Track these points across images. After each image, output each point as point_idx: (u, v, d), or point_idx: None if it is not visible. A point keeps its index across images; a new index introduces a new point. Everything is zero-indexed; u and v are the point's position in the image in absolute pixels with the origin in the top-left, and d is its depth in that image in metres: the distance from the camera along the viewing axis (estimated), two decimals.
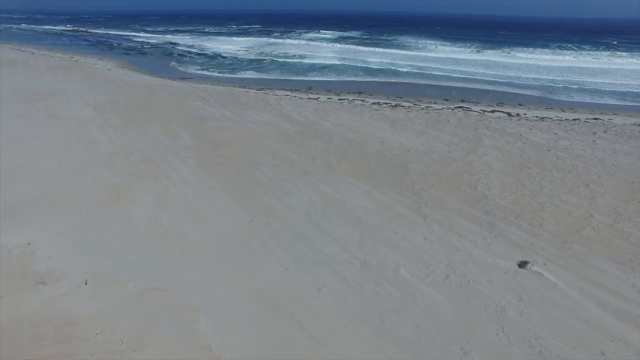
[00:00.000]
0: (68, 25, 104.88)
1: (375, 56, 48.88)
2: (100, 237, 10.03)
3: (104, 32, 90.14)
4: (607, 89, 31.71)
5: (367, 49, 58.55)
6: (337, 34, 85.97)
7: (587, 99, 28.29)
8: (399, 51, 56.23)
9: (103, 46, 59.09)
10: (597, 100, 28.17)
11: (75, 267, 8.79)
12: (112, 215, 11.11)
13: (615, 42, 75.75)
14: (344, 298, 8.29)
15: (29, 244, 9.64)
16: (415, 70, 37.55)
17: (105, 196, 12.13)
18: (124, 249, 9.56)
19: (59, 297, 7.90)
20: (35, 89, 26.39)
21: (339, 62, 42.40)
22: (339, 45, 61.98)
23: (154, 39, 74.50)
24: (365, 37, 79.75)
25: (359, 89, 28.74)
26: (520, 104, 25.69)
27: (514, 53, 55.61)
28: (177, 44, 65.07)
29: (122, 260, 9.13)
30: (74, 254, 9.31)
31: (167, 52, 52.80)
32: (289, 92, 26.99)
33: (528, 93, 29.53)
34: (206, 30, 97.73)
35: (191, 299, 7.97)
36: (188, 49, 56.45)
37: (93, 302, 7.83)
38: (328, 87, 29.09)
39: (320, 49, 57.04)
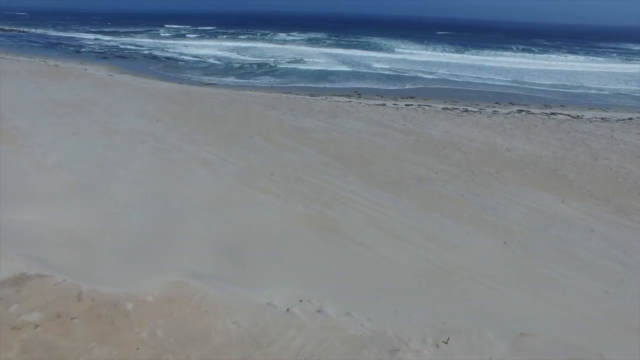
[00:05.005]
0: None
1: (373, 61, 49.09)
2: (374, 282, 8.59)
3: (43, 32, 79.88)
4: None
5: (350, 52, 58.86)
6: (302, 35, 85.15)
7: (615, 100, 31.13)
8: (385, 54, 57.51)
9: (63, 48, 52.26)
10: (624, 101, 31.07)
11: (399, 323, 7.41)
12: (351, 252, 9.59)
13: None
14: None
15: (300, 300, 7.92)
16: (431, 76, 38.50)
17: (313, 229, 10.49)
18: (426, 295, 8.28)
19: None
20: (54, 100, 22.34)
21: (347, 68, 41.84)
22: (322, 50, 61.35)
23: (111, 41, 67.15)
24: (334, 39, 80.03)
25: (407, 94, 28.63)
26: (562, 105, 27.38)
27: (485, 56, 59.73)
28: (145, 47, 59.77)
29: (443, 308, 7.88)
30: (374, 307, 7.78)
31: (150, 56, 48.22)
32: (347, 99, 26.02)
33: (548, 97, 31.55)
34: (159, 32, 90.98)
35: (577, 343, 7.16)
36: (165, 53, 52.07)
37: None
38: (376, 93, 28.57)
39: (307, 53, 56.00)
